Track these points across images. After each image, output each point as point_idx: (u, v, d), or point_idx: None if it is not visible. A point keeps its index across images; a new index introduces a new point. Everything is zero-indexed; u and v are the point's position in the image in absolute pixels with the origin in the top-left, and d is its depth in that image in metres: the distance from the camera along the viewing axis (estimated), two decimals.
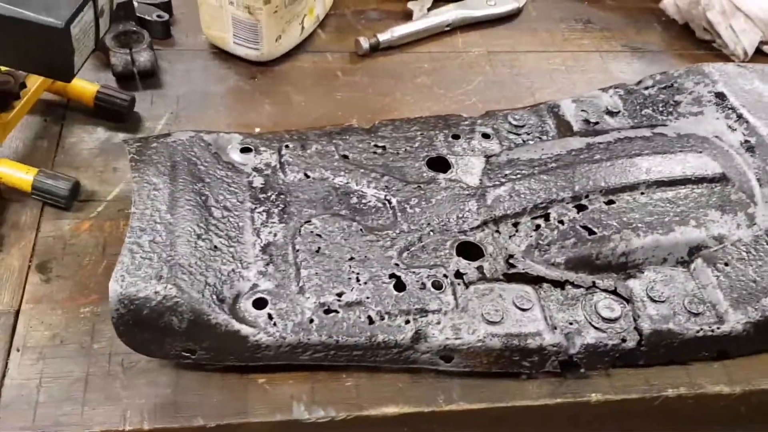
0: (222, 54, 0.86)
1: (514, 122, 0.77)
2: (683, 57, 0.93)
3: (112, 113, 0.77)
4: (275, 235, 0.62)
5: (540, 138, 0.76)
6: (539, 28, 0.96)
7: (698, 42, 0.95)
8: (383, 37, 0.89)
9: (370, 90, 0.85)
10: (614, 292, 0.62)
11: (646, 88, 0.79)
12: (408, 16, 0.94)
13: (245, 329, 0.55)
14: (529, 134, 0.76)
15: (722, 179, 0.68)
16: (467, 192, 0.68)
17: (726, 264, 0.63)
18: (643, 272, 0.63)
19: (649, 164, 0.68)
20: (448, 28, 0.93)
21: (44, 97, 0.75)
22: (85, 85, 0.76)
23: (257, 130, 0.78)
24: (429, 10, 0.94)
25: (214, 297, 0.56)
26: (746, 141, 0.72)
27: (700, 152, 0.70)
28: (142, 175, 0.62)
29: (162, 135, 0.68)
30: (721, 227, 0.65)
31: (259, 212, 0.64)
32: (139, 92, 0.80)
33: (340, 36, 0.92)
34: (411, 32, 0.91)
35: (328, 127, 0.74)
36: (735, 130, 0.73)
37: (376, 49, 0.89)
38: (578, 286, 0.62)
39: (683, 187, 0.67)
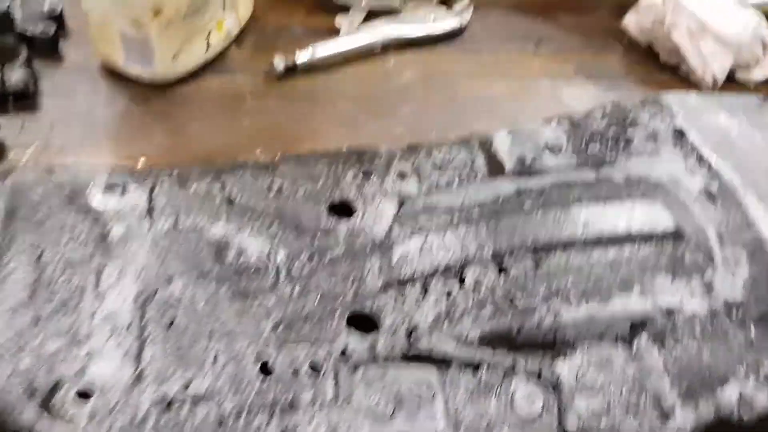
0: (115, 74, 0.75)
1: (439, 158, 0.65)
2: (645, 83, 0.82)
3: None
4: (125, 300, 0.51)
5: (468, 178, 0.64)
6: (483, 49, 0.85)
7: (663, 66, 0.84)
8: (302, 56, 0.78)
9: (283, 117, 0.74)
10: (538, 377, 0.51)
11: (595, 120, 0.68)
12: (335, 32, 0.83)
13: (57, 431, 0.43)
14: (455, 173, 0.64)
15: (675, 236, 0.56)
16: (370, 245, 0.57)
17: (676, 341, 0.52)
18: (575, 351, 0.52)
19: (588, 216, 0.57)
20: (379, 48, 0.82)
21: None
22: None
23: (141, 162, 0.67)
24: (360, 26, 0.84)
25: (23, 387, 0.44)
26: (707, 188, 0.60)
27: (652, 201, 0.59)
28: None
29: (2, 174, 0.57)
30: (672, 296, 0.54)
31: (109, 270, 0.53)
32: (9, 116, 0.69)
33: (256, 54, 0.81)
34: (336, 52, 0.80)
35: (220, 162, 0.63)
36: (695, 174, 0.62)
37: (293, 69, 0.78)
38: (494, 369, 0.51)
39: (628, 245, 0.56)
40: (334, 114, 0.75)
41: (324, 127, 0.73)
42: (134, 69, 0.73)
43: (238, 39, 0.82)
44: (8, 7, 0.73)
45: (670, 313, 0.53)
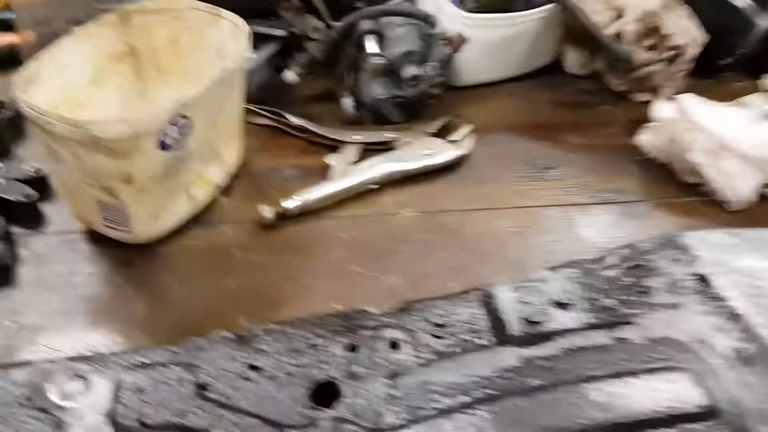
0: (97, 236, 0.72)
1: (436, 320, 0.59)
2: (666, 207, 0.76)
3: None
4: None
5: (469, 343, 0.58)
6: (487, 179, 0.80)
7: (684, 186, 0.78)
8: (291, 204, 0.74)
9: (271, 273, 0.69)
10: None
11: (609, 267, 0.61)
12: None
13: None
14: (454, 336, 0.58)
15: (707, 415, 0.48)
16: None
17: None
18: None
19: (605, 397, 0.49)
20: (375, 186, 0.77)
21: None
22: None
23: (118, 340, 0.62)
24: (353, 164, 0.80)
25: None
26: (741, 349, 0.53)
27: (678, 372, 0.51)
28: None
29: None
30: None
31: None
32: None
33: (246, 203, 0.77)
34: (326, 195, 0.75)
35: (193, 339, 0.58)
36: (726, 332, 0.54)
37: (283, 217, 0.74)
38: None
39: (651, 431, 0.48)
40: (326, 266, 0.70)
41: (315, 282, 0.68)
42: (113, 233, 0.69)
43: (228, 187, 0.78)
44: None
45: None
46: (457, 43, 0.83)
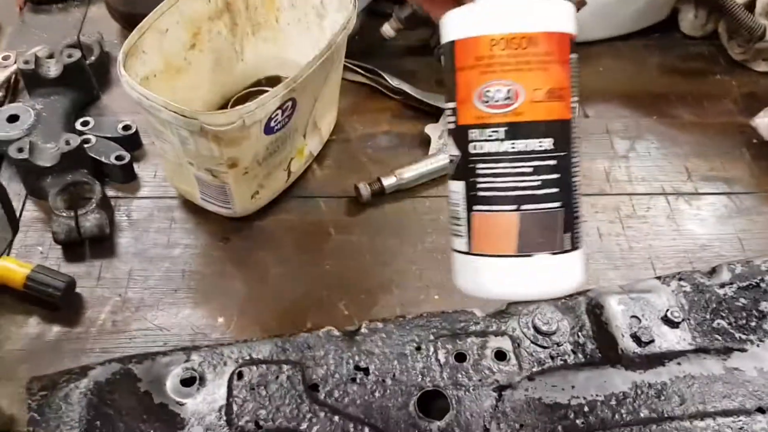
0: (191, 205, 0.71)
1: (542, 327, 0.59)
2: None
3: (46, 301, 0.63)
4: None
5: (574, 353, 0.57)
6: (585, 157, 0.76)
7: None
8: (388, 181, 0.72)
9: (368, 256, 0.68)
10: None
11: (722, 285, 0.59)
12: (424, 142, 0.77)
13: None
14: (559, 346, 0.58)
15: None
16: None
17: None
18: None
19: None
20: None
21: None
22: (15, 266, 0.63)
23: (220, 320, 0.64)
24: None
25: None
26: None
27: None
28: None
29: (77, 370, 0.54)
30: None
31: None
32: (85, 263, 0.67)
33: (339, 172, 0.75)
34: (423, 173, 0.73)
35: (301, 336, 0.58)
36: None
37: (380, 194, 0.72)
38: None
39: None
40: (422, 251, 0.69)
41: (412, 269, 0.67)
42: (211, 207, 0.69)
43: (321, 154, 0.76)
44: (80, 142, 0.70)
45: None
46: (578, 4, 0.77)
